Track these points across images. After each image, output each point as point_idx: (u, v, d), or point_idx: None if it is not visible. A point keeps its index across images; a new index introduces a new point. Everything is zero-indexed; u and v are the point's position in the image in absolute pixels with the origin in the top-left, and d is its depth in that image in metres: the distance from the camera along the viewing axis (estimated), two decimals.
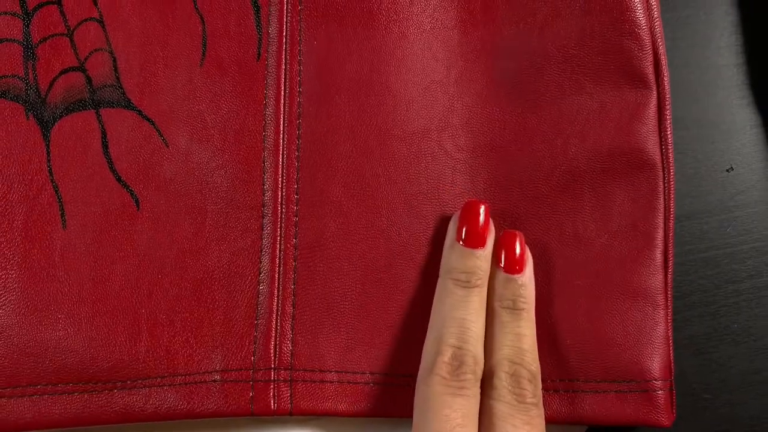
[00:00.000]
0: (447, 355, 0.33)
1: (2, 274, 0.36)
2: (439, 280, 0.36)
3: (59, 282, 0.36)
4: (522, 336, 0.34)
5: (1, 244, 0.36)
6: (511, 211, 0.37)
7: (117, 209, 0.36)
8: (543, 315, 0.36)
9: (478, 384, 0.33)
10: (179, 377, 0.35)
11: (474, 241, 0.35)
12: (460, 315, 0.34)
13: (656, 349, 0.36)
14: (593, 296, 0.36)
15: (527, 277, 0.35)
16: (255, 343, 0.36)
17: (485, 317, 0.35)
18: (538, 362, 0.35)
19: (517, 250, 0.35)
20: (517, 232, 0.36)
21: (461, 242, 0.35)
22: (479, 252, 0.35)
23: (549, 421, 0.35)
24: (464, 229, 0.35)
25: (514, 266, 0.35)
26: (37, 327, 0.35)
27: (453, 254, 0.35)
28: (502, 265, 0.35)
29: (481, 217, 0.35)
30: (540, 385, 0.34)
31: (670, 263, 0.37)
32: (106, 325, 0.35)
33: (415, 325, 0.36)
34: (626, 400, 0.35)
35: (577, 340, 0.36)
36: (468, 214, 0.36)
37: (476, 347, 0.34)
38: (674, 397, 0.36)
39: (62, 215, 0.36)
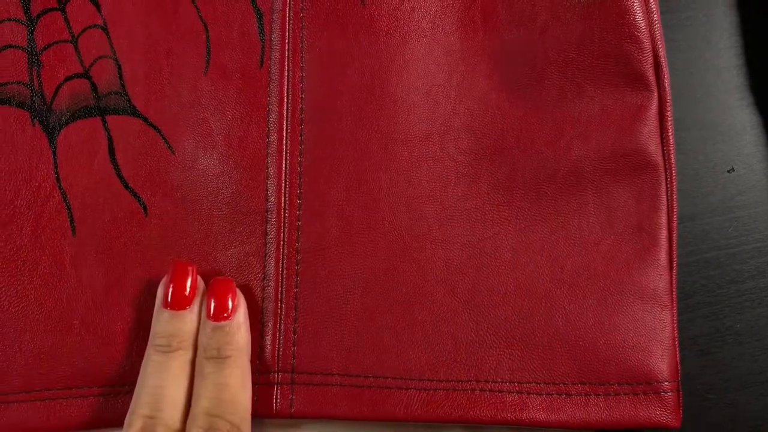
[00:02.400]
0: (136, 427, 0.32)
1: (14, 281, 0.36)
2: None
3: (72, 288, 0.36)
4: (224, 386, 0.33)
5: (10, 251, 0.36)
6: (515, 213, 0.37)
7: (125, 216, 0.37)
8: (553, 318, 0.36)
9: None
10: None
11: (178, 303, 0.34)
12: (155, 382, 0.33)
13: (666, 350, 0.36)
14: (603, 298, 0.36)
15: (236, 323, 0.34)
16: (259, 347, 0.36)
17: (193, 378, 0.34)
18: (246, 413, 0.33)
19: (226, 298, 0.34)
20: (227, 279, 0.35)
21: (167, 307, 0.34)
22: (183, 313, 0.34)
23: (562, 426, 0.35)
24: (170, 292, 0.34)
25: (222, 313, 0.34)
26: (51, 332, 0.36)
27: (158, 322, 0.34)
28: (211, 315, 0.34)
29: (188, 280, 0.34)
30: None
31: (674, 264, 0.37)
32: (121, 331, 0.36)
33: (418, 327, 0.36)
34: (639, 402, 0.35)
35: (590, 343, 0.36)
36: (174, 277, 0.35)
37: (172, 414, 0.32)
38: (681, 398, 0.36)
39: (71, 222, 0.36)
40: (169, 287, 0.34)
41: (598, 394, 0.36)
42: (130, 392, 0.34)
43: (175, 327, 0.34)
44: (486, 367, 0.36)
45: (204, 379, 0.33)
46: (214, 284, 0.35)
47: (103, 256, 0.36)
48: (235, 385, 0.33)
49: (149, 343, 0.34)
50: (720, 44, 0.44)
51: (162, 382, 0.33)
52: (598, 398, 0.36)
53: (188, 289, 0.34)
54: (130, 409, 0.33)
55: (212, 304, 0.34)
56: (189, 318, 0.34)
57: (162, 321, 0.34)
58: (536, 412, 0.35)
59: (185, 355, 0.34)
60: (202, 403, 0.32)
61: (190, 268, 0.35)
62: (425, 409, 0.35)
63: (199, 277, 0.35)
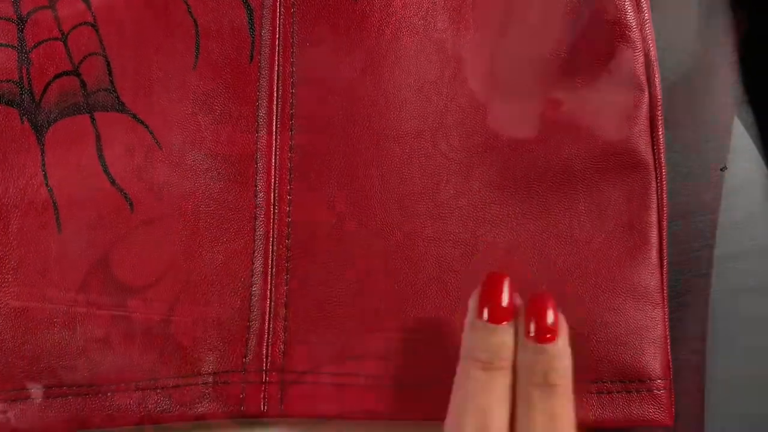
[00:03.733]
0: None
1: None
2: (459, 364, 0.32)
3: (54, 287, 0.36)
4: (556, 417, 0.30)
5: None
6: (507, 211, 0.37)
7: (111, 213, 0.37)
8: None
9: None
10: (172, 380, 0.35)
11: (498, 315, 0.31)
12: (481, 403, 0.30)
13: (658, 348, 0.36)
14: (595, 296, 0.36)
15: (560, 347, 0.31)
16: (247, 346, 0.36)
17: (512, 402, 0.31)
18: None
19: (549, 317, 0.31)
20: (547, 295, 0.32)
21: (483, 319, 0.31)
22: (504, 327, 0.31)
23: None
24: (487, 304, 0.31)
25: (545, 334, 0.31)
26: (32, 331, 0.36)
27: (474, 333, 0.31)
28: (532, 335, 0.31)
29: (505, 291, 0.32)
30: None
31: (665, 262, 0.37)
32: (101, 328, 0.36)
33: (410, 328, 0.36)
34: (632, 400, 0.36)
35: (583, 341, 0.36)
36: (490, 288, 0.32)
37: None
38: (674, 396, 0.36)
39: (57, 219, 0.37)
40: (485, 299, 0.32)
41: (591, 392, 0.36)
42: (109, 392, 0.35)
43: (497, 341, 0.31)
44: None
45: (532, 408, 0.30)
46: (534, 300, 0.32)
47: (87, 253, 0.36)
48: (567, 416, 0.30)
49: (463, 358, 0.32)
50: (714, 42, 0.44)
51: (488, 405, 0.30)
52: (592, 396, 0.36)
53: (506, 301, 0.32)
54: (449, 430, 0.31)
55: (533, 324, 0.31)
56: (510, 332, 0.31)
57: (481, 335, 0.31)
58: None
59: (506, 376, 0.31)
60: None
61: (505, 279, 0.32)
62: (419, 408, 0.35)
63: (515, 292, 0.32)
